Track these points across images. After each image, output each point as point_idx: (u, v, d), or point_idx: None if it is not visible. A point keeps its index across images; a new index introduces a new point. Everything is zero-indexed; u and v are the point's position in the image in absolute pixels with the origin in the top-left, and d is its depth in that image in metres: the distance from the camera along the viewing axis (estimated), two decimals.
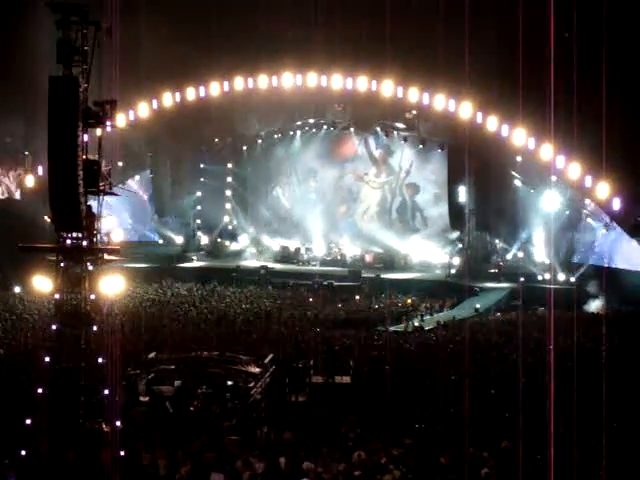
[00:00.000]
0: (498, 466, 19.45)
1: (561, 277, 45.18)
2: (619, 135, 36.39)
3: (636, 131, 37.62)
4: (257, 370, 27.56)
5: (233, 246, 57.04)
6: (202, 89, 47.34)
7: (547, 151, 42.43)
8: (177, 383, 26.06)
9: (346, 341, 33.73)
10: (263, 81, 47.30)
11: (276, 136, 55.90)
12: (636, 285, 39.56)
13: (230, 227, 58.30)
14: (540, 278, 45.70)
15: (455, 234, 50.49)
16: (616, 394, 22.21)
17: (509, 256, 50.45)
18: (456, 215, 50.18)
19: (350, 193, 56.47)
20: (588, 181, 41.36)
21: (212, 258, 54.91)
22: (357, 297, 44.47)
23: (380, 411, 23.99)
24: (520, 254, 50.19)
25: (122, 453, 18.45)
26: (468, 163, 42.02)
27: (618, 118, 36.59)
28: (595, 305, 40.14)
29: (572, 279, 44.19)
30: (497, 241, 50.67)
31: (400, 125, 52.66)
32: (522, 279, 45.30)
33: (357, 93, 47.05)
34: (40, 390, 19.81)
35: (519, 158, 46.67)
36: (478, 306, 41.25)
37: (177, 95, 47.40)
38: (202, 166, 56.27)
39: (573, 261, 46.33)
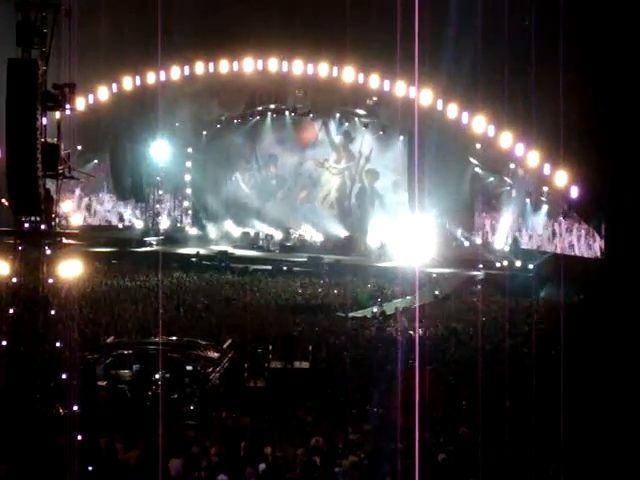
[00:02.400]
0: (456, 452, 19.65)
1: (518, 264, 45.56)
2: (577, 122, 36.77)
3: (594, 118, 37.89)
4: (216, 355, 27.59)
5: (192, 231, 56.88)
6: (162, 73, 47.27)
7: (506, 139, 42.82)
8: (135, 368, 26.03)
9: (305, 327, 33.82)
10: (224, 66, 47.30)
11: (236, 121, 55.74)
12: (588, 272, 39.97)
13: (190, 212, 58.12)
14: (498, 265, 45.99)
15: (414, 221, 50.65)
16: (572, 382, 22.45)
17: (467, 243, 50.81)
18: (414, 202, 50.35)
19: (310, 179, 56.48)
20: (546, 169, 41.77)
21: (171, 243, 54.68)
22: (317, 282, 44.50)
23: (338, 397, 24.13)
24: (479, 241, 50.57)
25: (80, 438, 18.42)
26: (427, 150, 42.19)
27: (576, 105, 36.97)
28: (550, 292, 40.46)
29: (530, 266, 44.58)
30: (456, 228, 50.98)
31: (361, 111, 52.76)
32: (480, 266, 45.69)
33: (318, 79, 47.16)
34: None
35: (478, 145, 47.02)
36: (437, 292, 41.47)
37: (137, 79, 47.27)
38: (161, 150, 55.92)
39: (530, 248, 46.81)
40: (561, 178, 40.98)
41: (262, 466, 18.47)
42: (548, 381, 22.49)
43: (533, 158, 42.12)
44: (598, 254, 41.98)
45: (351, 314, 37.44)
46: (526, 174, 45.42)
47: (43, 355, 19.87)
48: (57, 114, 19.98)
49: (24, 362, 19.77)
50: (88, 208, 55.89)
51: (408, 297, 40.17)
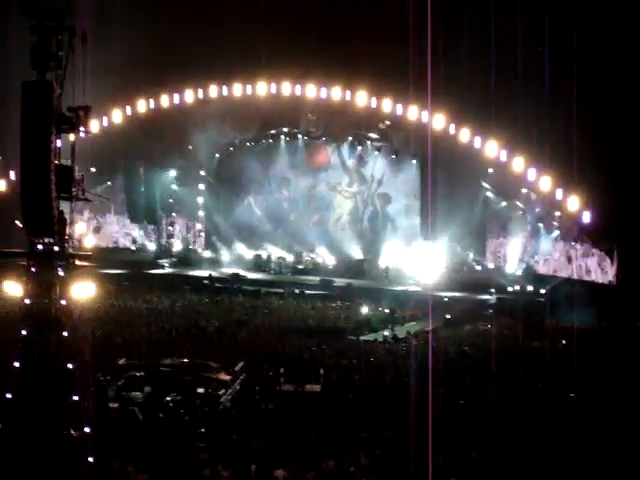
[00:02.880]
0: (466, 476, 19.58)
1: (530, 289, 45.50)
2: (590, 148, 36.80)
3: (607, 144, 37.93)
4: (227, 377, 27.59)
5: (205, 254, 56.99)
6: (176, 96, 47.52)
7: (519, 163, 42.85)
8: (147, 389, 26.05)
9: (316, 349, 33.76)
10: (237, 89, 47.52)
11: (249, 144, 55.95)
12: (602, 298, 39.84)
13: (202, 234, 58.24)
14: (510, 289, 45.93)
15: (425, 245, 50.63)
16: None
17: (479, 267, 50.80)
18: (426, 226, 50.39)
19: (323, 202, 56.58)
20: (559, 194, 41.78)
21: (184, 265, 54.79)
22: (329, 305, 44.47)
23: (350, 420, 24.07)
24: (491, 265, 50.55)
25: (91, 459, 18.42)
26: (439, 174, 42.28)
27: (589, 131, 37.04)
28: (566, 317, 40.29)
29: (542, 291, 44.50)
30: (468, 252, 50.98)
31: (373, 135, 52.94)
32: (492, 290, 45.64)
33: (331, 102, 47.34)
34: (9, 395, 19.71)
35: (491, 170, 47.07)
36: (449, 316, 41.38)
37: (151, 102, 47.50)
38: (175, 173, 56.13)
39: (545, 273, 46.75)
40: (573, 203, 40.97)
41: None
42: (560, 406, 22.42)
43: (545, 183, 42.15)
44: (612, 279, 41.90)
45: (363, 337, 37.43)
46: (538, 199, 45.46)
47: (55, 377, 19.87)
48: (71, 136, 20.06)
49: (36, 384, 19.77)
50: (97, 230, 56.07)
51: (419, 321, 40.14)
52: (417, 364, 29.37)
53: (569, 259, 45.58)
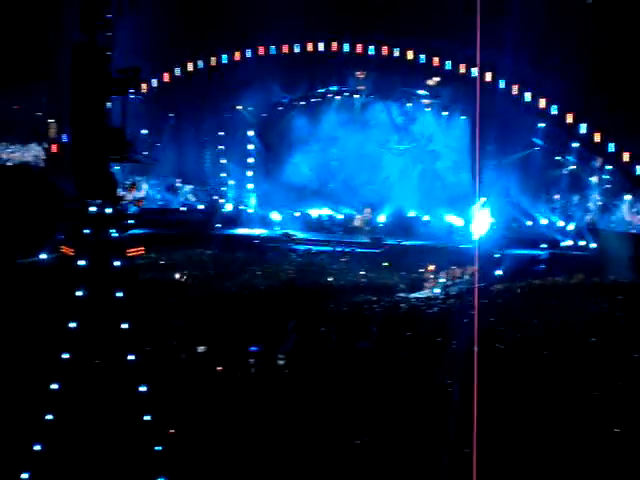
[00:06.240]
0: None
1: (582, 243, 45.23)
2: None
3: None
4: None
5: (255, 214, 57.08)
6: (225, 56, 47.58)
7: (570, 118, 42.52)
8: None
9: (366, 307, 33.88)
10: (284, 48, 47.48)
11: (297, 103, 55.84)
12: None
13: (252, 194, 58.36)
14: (563, 245, 45.66)
15: (477, 201, 50.36)
16: None
17: (530, 223, 50.46)
18: (478, 183, 50.11)
19: (372, 160, 56.38)
20: (611, 147, 41.46)
21: (235, 225, 54.94)
22: (380, 263, 44.50)
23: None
24: (543, 221, 50.20)
25: None
26: (489, 131, 42.00)
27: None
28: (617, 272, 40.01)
29: (593, 245, 44.21)
30: (519, 208, 50.64)
31: (423, 92, 52.61)
32: (545, 245, 45.37)
33: (380, 60, 47.14)
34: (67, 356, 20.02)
35: (541, 124, 46.70)
36: (500, 272, 41.23)
37: (200, 62, 47.59)
38: (224, 133, 56.21)
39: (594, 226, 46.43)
40: (625, 156, 40.64)
41: None
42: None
43: (597, 137, 41.81)
44: None
45: (413, 295, 37.50)
46: (590, 153, 45.08)
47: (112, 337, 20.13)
48: (122, 98, 20.20)
49: (93, 345, 20.06)
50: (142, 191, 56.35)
51: (469, 277, 40.06)
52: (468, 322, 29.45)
53: (622, 212, 45.23)
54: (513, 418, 21.02)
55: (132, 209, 39.51)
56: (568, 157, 47.97)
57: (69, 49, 19.40)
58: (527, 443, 19.70)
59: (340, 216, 54.98)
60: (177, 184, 56.81)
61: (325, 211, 55.52)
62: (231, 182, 58.07)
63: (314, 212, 55.56)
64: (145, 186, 55.01)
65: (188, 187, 57.10)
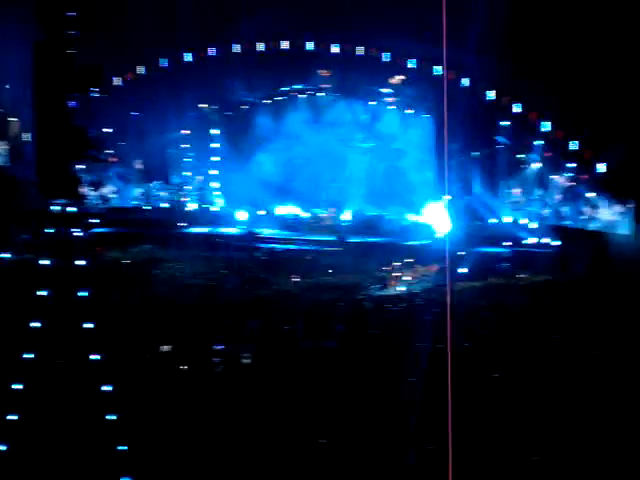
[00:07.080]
0: None
1: (546, 241, 45.46)
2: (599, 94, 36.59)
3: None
4: None
5: (219, 212, 56.92)
6: (189, 55, 47.40)
7: (532, 116, 42.75)
8: None
9: (330, 305, 33.92)
10: (246, 48, 47.35)
11: (261, 102, 55.74)
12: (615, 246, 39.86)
13: (216, 193, 58.20)
14: (525, 242, 45.89)
15: (441, 200, 50.55)
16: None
17: (494, 220, 50.68)
18: (439, 181, 50.30)
19: (336, 158, 56.40)
20: (573, 145, 41.72)
21: (198, 224, 54.75)
22: (344, 262, 44.53)
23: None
24: (507, 219, 50.43)
25: None
26: (454, 129, 42.10)
27: (605, 82, 36.84)
28: (578, 268, 40.32)
29: (556, 242, 44.47)
30: (481, 206, 50.85)
31: (387, 90, 52.68)
32: (509, 243, 45.58)
33: (344, 58, 47.15)
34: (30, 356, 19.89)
35: (505, 123, 46.92)
36: (464, 270, 41.40)
37: (164, 61, 47.38)
38: (188, 132, 56.03)
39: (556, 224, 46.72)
40: (588, 154, 40.87)
41: None
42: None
43: (559, 134, 42.03)
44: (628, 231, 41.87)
45: (377, 292, 37.55)
46: (552, 150, 45.36)
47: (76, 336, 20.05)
48: (85, 97, 20.10)
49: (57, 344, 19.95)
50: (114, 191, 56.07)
51: (433, 275, 40.17)
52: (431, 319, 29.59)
53: (582, 211, 45.50)
54: (481, 416, 21.12)
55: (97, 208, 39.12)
56: (530, 155, 48.24)
57: (31, 47, 19.31)
58: (500, 441, 19.81)
59: (305, 214, 54.96)
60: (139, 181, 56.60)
61: (290, 209, 55.48)
62: (197, 179, 57.95)
63: (279, 210, 55.50)
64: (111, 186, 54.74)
65: (153, 184, 56.87)
